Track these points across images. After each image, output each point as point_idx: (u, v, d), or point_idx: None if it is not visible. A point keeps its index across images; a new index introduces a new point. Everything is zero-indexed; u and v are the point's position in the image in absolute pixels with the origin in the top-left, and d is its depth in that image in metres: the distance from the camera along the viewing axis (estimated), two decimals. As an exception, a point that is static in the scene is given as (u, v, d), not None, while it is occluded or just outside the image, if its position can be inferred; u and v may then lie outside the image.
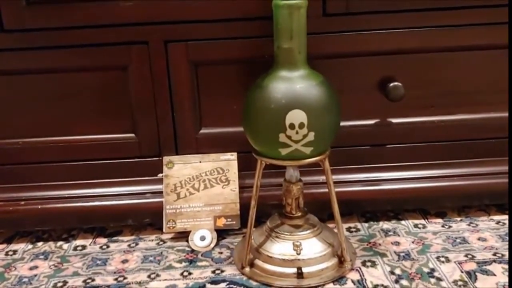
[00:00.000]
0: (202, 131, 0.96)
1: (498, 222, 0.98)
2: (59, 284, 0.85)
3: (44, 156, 0.96)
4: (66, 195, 0.97)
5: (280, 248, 0.84)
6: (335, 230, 0.93)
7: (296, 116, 0.75)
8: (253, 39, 0.90)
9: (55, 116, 0.94)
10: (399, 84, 0.91)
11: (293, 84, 0.76)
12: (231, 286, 0.83)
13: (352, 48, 0.92)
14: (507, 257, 0.87)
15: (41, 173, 0.96)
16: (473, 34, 0.92)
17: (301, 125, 0.75)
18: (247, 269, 0.85)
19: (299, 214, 0.87)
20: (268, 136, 0.77)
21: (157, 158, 0.97)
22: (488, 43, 0.92)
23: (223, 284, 0.83)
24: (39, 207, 0.96)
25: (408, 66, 0.94)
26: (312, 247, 0.84)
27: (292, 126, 0.75)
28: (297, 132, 0.75)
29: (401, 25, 0.91)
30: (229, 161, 0.95)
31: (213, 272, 0.86)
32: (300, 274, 0.83)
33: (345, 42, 0.91)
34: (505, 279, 0.81)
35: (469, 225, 0.97)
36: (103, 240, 0.98)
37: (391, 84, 0.91)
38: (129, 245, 0.96)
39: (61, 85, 0.93)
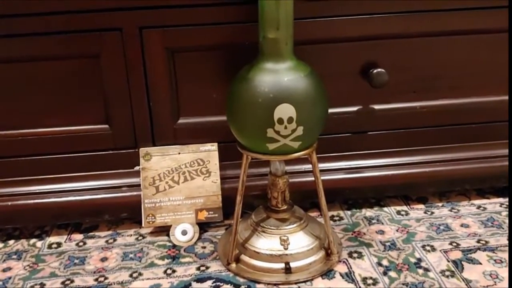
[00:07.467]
0: (180, 120, 0.92)
1: (479, 207, 0.98)
2: (36, 287, 0.81)
3: (13, 150, 0.90)
4: (38, 191, 0.92)
5: (267, 243, 0.82)
6: (319, 220, 0.92)
7: (285, 111, 0.72)
8: (233, 25, 0.86)
9: (25, 108, 0.89)
10: (383, 70, 0.89)
11: (280, 76, 0.73)
12: (218, 284, 0.80)
13: (334, 34, 0.89)
14: (490, 244, 0.87)
15: (10, 168, 0.91)
16: (455, 19, 0.90)
17: (290, 120, 0.72)
18: (233, 265, 0.83)
19: (285, 207, 0.85)
20: (255, 131, 0.74)
21: (133, 150, 0.93)
22: (470, 28, 0.91)
23: (209, 282, 0.81)
24: (9, 203, 0.91)
25: (390, 51, 0.92)
26: (299, 241, 0.83)
27: (280, 121, 0.72)
28: (285, 127, 0.73)
29: (383, 10, 0.88)
30: (210, 152, 0.92)
31: (198, 269, 0.84)
32: (288, 269, 0.81)
33: (327, 28, 0.88)
34: (491, 268, 0.81)
35: (450, 210, 0.97)
36: (78, 236, 0.94)
37: (375, 71, 0.89)
38: (106, 241, 0.92)
39: (29, 75, 0.87)
